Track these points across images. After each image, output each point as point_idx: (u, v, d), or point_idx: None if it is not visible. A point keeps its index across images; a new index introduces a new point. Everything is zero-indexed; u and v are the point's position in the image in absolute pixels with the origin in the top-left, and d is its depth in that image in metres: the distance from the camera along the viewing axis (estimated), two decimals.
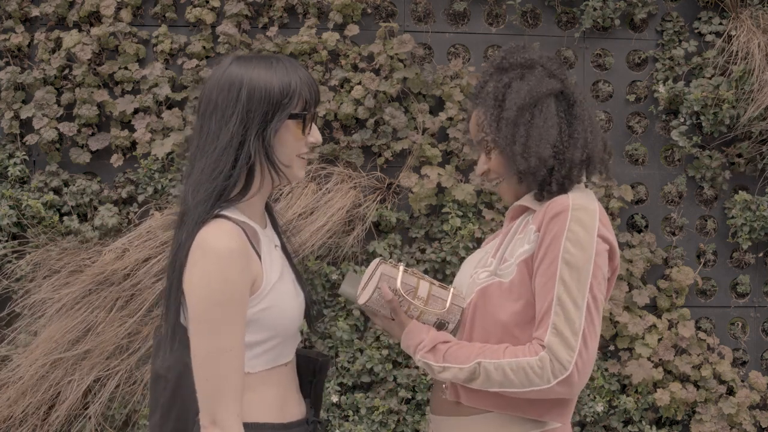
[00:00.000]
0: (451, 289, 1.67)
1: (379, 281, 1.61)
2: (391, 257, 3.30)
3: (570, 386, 1.50)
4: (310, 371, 1.73)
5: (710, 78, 3.44)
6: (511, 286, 1.59)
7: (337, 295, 3.34)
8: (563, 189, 1.63)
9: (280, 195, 3.26)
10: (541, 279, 1.54)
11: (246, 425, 1.51)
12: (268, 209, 1.72)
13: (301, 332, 3.24)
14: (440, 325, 1.66)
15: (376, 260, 1.67)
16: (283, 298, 1.56)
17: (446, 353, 1.58)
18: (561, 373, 1.49)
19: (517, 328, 1.58)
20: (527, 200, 1.69)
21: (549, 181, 1.64)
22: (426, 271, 3.35)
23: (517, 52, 1.72)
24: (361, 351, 3.28)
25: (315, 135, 1.60)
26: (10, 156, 3.32)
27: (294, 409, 1.63)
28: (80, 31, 3.36)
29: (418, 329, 1.62)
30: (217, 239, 1.44)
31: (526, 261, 1.59)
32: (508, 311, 1.58)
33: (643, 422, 3.35)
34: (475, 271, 1.69)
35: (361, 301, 1.65)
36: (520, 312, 1.58)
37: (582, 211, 1.55)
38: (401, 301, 1.62)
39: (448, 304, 1.64)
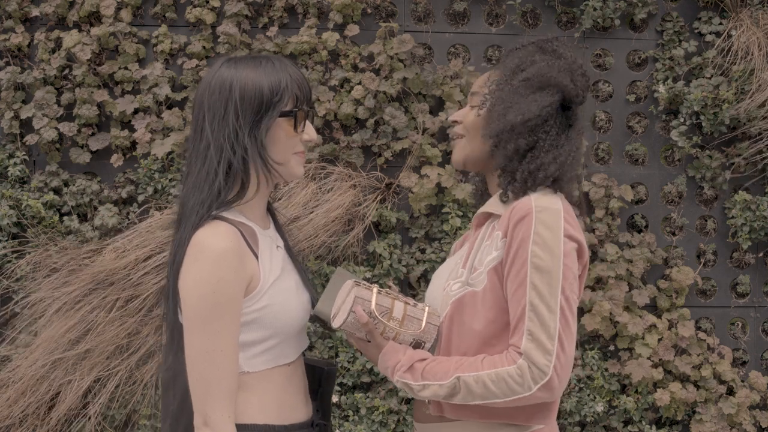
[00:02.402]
0: (426, 308, 1.64)
1: (353, 304, 1.58)
2: (390, 257, 3.30)
3: (551, 390, 1.49)
4: (316, 380, 1.72)
5: (710, 78, 3.44)
6: (483, 294, 1.58)
7: None
8: (525, 186, 1.60)
9: (281, 194, 3.26)
10: (511, 285, 1.53)
11: (243, 426, 1.50)
12: (270, 210, 1.72)
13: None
14: (416, 345, 1.63)
15: (350, 282, 1.63)
16: (283, 296, 1.55)
17: (424, 371, 1.56)
18: (541, 378, 1.47)
19: (494, 336, 1.57)
20: (492, 205, 1.67)
21: (516, 169, 1.61)
22: (426, 272, 3.35)
23: (565, 45, 1.70)
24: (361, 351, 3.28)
25: (309, 132, 1.59)
26: (10, 156, 3.32)
27: (297, 411, 1.61)
28: (80, 31, 3.36)
29: (394, 350, 1.60)
30: (212, 240, 1.44)
31: (495, 268, 1.57)
32: (483, 320, 1.57)
33: (643, 422, 3.35)
34: (448, 283, 1.67)
35: (336, 324, 1.62)
36: (494, 320, 1.57)
37: (546, 212, 1.53)
38: (376, 324, 1.60)
39: (423, 324, 1.62)
